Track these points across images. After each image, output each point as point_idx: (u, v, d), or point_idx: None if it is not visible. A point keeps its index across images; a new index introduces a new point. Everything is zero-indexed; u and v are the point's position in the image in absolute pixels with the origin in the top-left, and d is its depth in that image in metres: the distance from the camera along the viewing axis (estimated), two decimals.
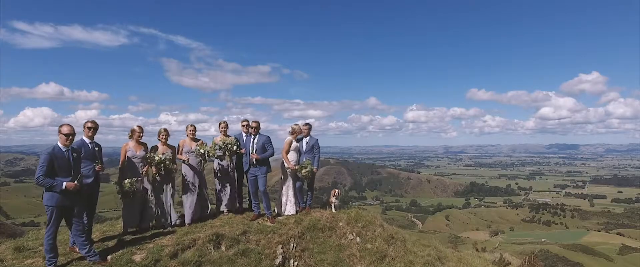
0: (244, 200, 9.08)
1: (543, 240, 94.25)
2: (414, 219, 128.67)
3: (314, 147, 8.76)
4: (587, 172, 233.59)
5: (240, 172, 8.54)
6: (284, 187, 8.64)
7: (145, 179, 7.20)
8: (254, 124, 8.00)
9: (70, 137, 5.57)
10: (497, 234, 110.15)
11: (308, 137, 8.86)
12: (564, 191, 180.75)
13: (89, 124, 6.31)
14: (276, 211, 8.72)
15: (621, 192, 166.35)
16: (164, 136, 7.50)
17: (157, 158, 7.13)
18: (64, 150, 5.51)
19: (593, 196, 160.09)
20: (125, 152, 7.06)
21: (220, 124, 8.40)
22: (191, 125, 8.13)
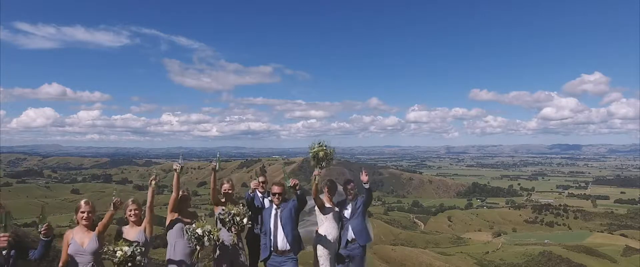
0: None
1: (546, 241, 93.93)
2: (416, 220, 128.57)
3: (360, 210, 5.81)
4: (589, 173, 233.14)
5: (255, 255, 5.79)
6: None
7: None
8: (277, 190, 5.28)
9: None
10: (499, 235, 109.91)
11: (356, 201, 5.89)
12: (566, 191, 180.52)
13: None
14: None
15: (624, 192, 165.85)
16: (133, 212, 4.63)
17: (119, 254, 4.12)
18: None
19: (596, 196, 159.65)
20: (67, 246, 4.27)
21: (223, 184, 5.80)
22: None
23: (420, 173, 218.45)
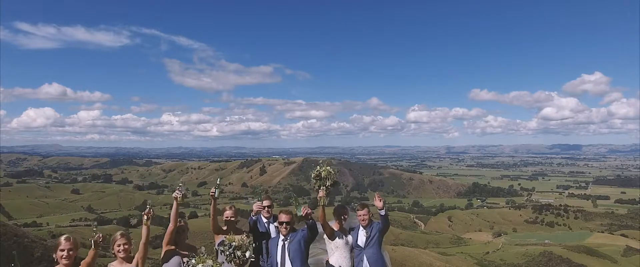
0: None
1: (546, 241, 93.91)
2: (417, 220, 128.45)
3: (376, 238, 5.20)
4: (590, 173, 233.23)
5: None
6: None
7: None
8: (284, 218, 4.80)
9: None
10: (500, 235, 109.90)
11: (371, 228, 5.27)
12: (567, 191, 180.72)
13: None
14: None
15: (624, 192, 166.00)
16: (123, 247, 4.11)
17: None
18: None
19: (596, 196, 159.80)
20: None
21: (224, 211, 5.28)
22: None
23: (421, 173, 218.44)
